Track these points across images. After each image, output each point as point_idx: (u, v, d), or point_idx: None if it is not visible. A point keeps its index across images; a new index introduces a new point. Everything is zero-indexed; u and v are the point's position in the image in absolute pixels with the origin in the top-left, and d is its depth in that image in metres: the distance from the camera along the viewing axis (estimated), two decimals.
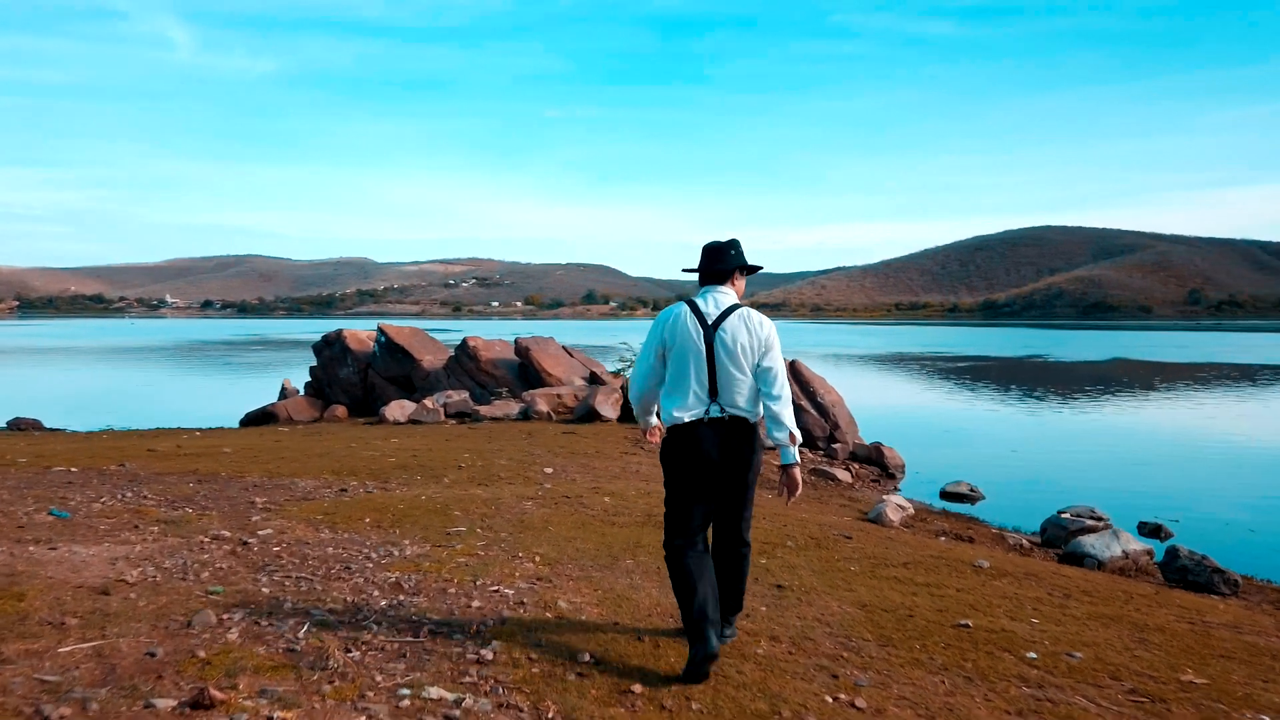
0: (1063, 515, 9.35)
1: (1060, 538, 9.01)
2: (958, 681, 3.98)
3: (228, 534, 6.20)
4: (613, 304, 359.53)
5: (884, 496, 9.71)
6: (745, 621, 4.65)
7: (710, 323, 3.94)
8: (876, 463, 14.66)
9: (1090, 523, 9.02)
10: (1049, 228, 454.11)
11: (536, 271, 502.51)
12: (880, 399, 26.52)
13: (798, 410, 15.53)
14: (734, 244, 4.14)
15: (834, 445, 15.01)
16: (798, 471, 3.97)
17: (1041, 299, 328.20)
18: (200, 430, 16.45)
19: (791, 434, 3.87)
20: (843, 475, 12.94)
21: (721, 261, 4.09)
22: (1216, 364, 45.30)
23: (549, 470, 10.33)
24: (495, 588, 5.11)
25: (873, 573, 6.06)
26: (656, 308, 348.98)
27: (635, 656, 4.05)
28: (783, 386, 3.93)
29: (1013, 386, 33.49)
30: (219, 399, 27.01)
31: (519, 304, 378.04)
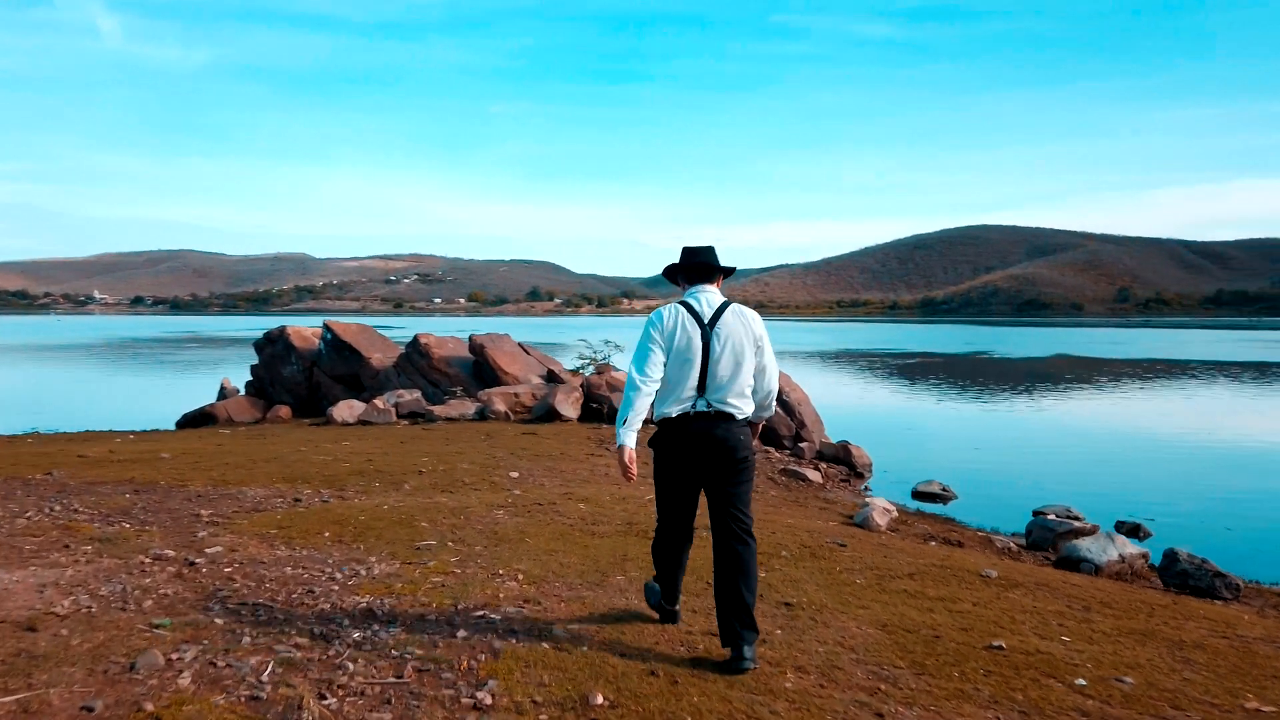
0: (1048, 517, 9.10)
1: (1047, 540, 8.74)
2: (1013, 717, 3.58)
3: (172, 553, 5.57)
4: (557, 301, 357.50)
5: (867, 500, 9.36)
6: (763, 648, 4.21)
7: (706, 321, 4.08)
8: (844, 462, 14.36)
9: (1077, 525, 8.77)
10: (985, 227, 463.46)
11: (480, 268, 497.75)
12: (835, 396, 26.36)
13: None
14: (713, 248, 4.33)
15: (801, 444, 14.68)
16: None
17: (978, 296, 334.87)
18: (134, 433, 15.54)
19: (771, 413, 4.40)
20: (813, 475, 12.59)
21: (710, 259, 4.27)
22: (1155, 360, 46.28)
23: (515, 474, 9.79)
24: (480, 612, 4.59)
25: (880, 586, 5.65)
26: (602, 305, 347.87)
27: (654, 697, 3.57)
28: (774, 378, 4.27)
29: (964, 383, 33.72)
30: (153, 399, 25.85)
31: (462, 300, 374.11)
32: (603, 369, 16.99)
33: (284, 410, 18.11)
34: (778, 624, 4.68)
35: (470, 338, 18.03)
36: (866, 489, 12.89)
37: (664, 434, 4.11)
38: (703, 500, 4.23)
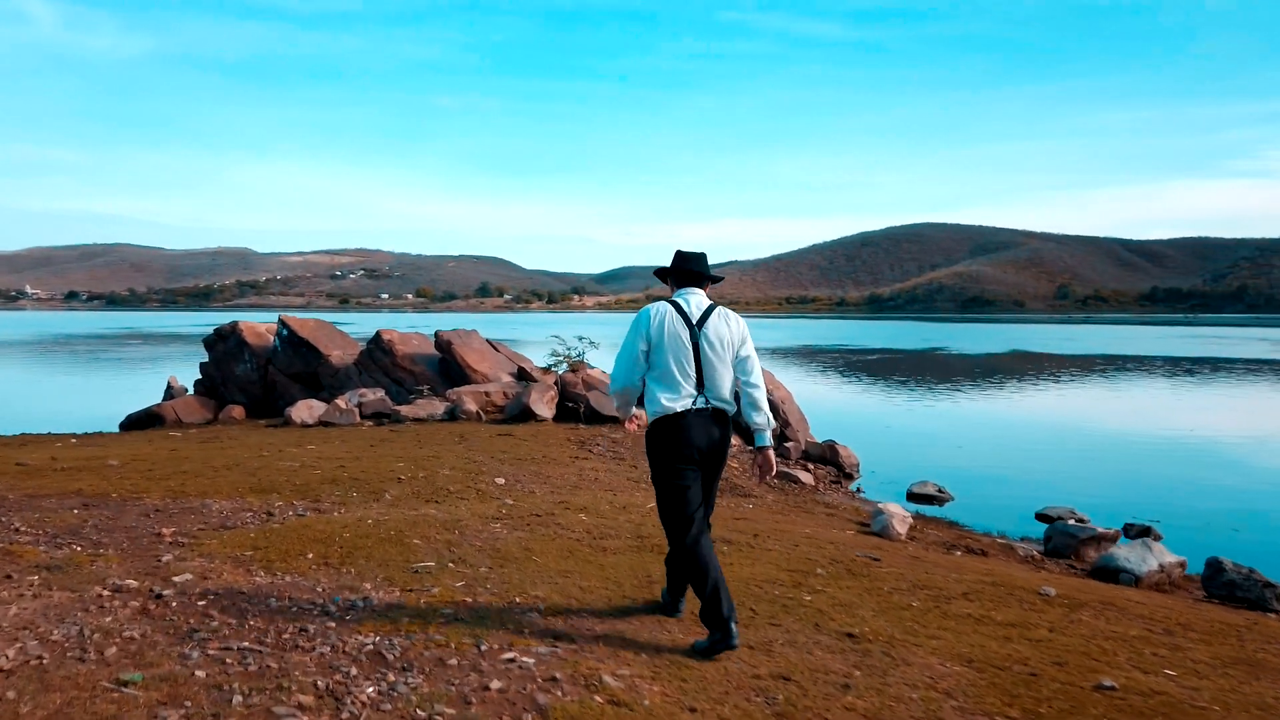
0: (1067, 522, 8.66)
1: (1069, 547, 8.29)
2: None
3: (134, 583, 4.81)
4: (507, 297, 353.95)
5: (879, 506, 8.83)
6: (851, 697, 3.61)
7: (695, 321, 4.27)
8: (831, 462, 13.89)
9: (1100, 531, 8.33)
10: (930, 225, 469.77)
11: (428, 264, 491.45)
12: (805, 394, 25.98)
13: None
14: (704, 255, 4.54)
15: (786, 444, 14.17)
16: (771, 454, 4.39)
17: (924, 293, 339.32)
18: (76, 436, 14.50)
19: (768, 418, 4.35)
20: (805, 477, 12.08)
21: (700, 266, 4.49)
22: (1112, 355, 46.80)
23: (500, 481, 9.09)
24: (509, 655, 3.93)
25: (940, 610, 5.10)
26: (552, 300, 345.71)
27: None
28: (760, 375, 4.37)
29: (930, 379, 33.59)
30: (94, 399, 24.55)
31: (410, 296, 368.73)
32: (577, 366, 16.31)
33: (237, 410, 17.13)
34: (850, 662, 4.09)
35: (436, 334, 17.22)
36: (859, 491, 12.40)
37: (665, 429, 4.22)
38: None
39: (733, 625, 4.02)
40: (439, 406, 14.94)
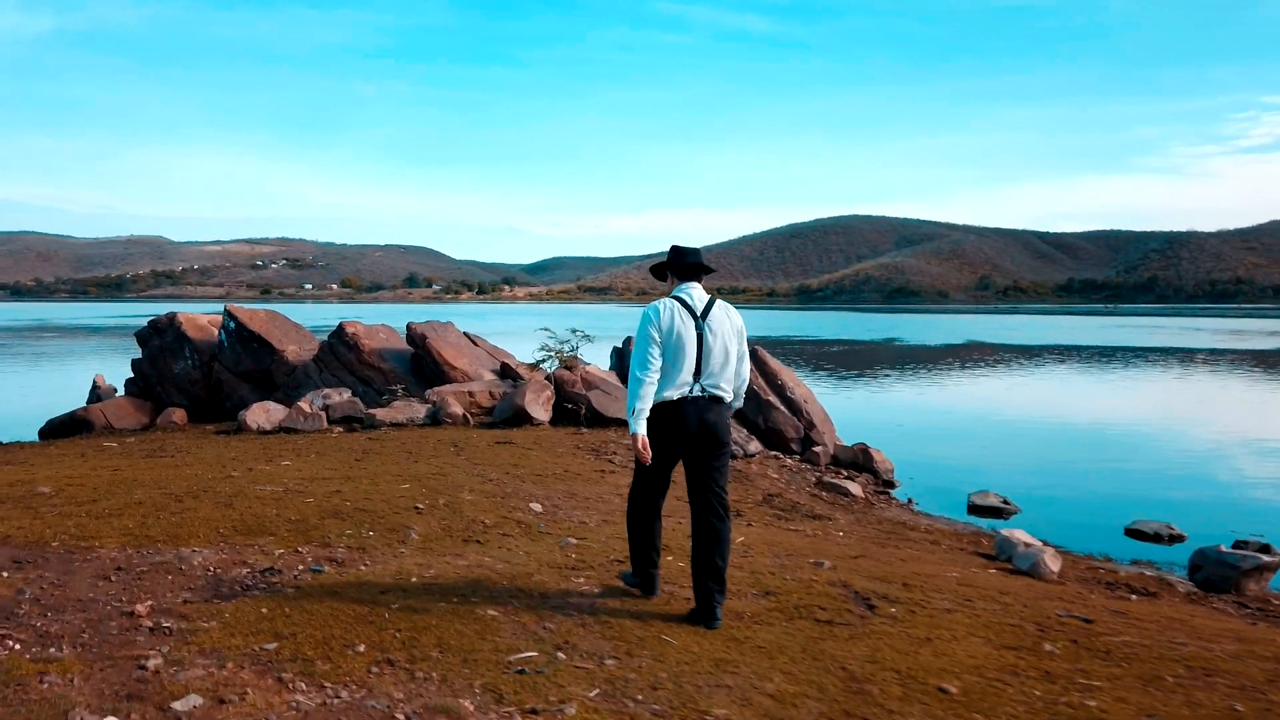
0: (1222, 550, 7.34)
1: (1228, 578, 6.99)
2: None
3: None
4: (436, 287, 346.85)
5: (1005, 534, 7.40)
6: None
7: (698, 313, 4.52)
8: (864, 468, 12.51)
9: (1266, 559, 7.04)
10: (856, 217, 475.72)
11: (353, 253, 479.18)
12: None
13: (766, 407, 13.19)
14: (699, 250, 4.72)
15: (814, 449, 12.73)
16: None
17: (851, 284, 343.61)
18: None
19: (740, 405, 4.84)
20: (854, 488, 10.68)
21: (697, 262, 4.69)
22: (1071, 346, 46.72)
23: (537, 508, 7.44)
24: None
25: (1271, 714, 3.65)
26: (482, 291, 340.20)
27: None
28: (748, 367, 4.73)
29: (912, 371, 32.59)
30: (5, 402, 21.96)
31: (335, 287, 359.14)
32: (571, 363, 14.63)
33: (178, 414, 15.03)
34: None
35: (408, 327, 15.35)
36: (909, 502, 11.02)
37: (661, 415, 4.45)
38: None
39: (655, 575, 4.82)
40: (419, 409, 13.13)
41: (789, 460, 12.39)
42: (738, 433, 12.31)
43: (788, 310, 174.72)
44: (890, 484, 12.11)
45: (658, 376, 4.42)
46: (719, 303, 4.61)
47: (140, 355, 16.54)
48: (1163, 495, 11.74)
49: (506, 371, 15.29)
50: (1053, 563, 6.42)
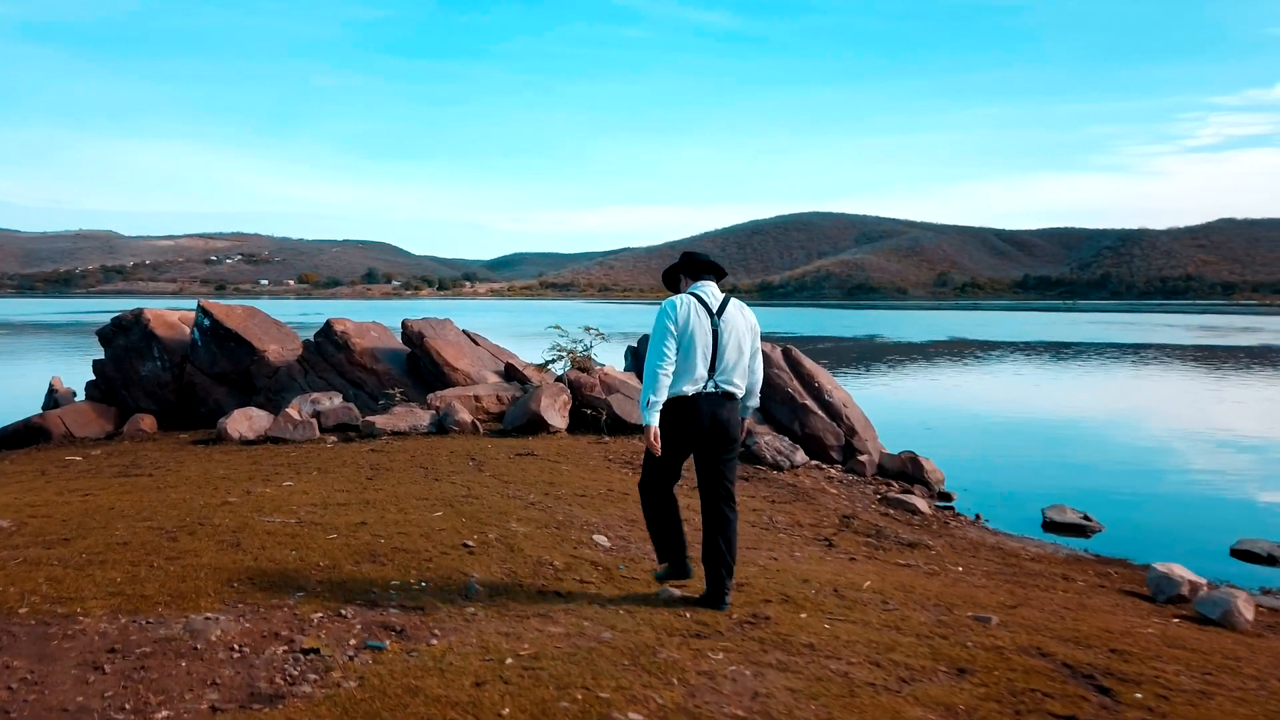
0: None
1: None
2: None
3: None
4: (395, 283, 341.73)
5: (1163, 565, 6.32)
6: None
7: (714, 310, 4.63)
8: (914, 478, 11.45)
9: None
10: (817, 214, 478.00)
11: (310, 249, 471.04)
12: None
13: (803, 411, 12.08)
14: (709, 254, 4.85)
15: (858, 457, 11.64)
16: (749, 422, 5.03)
17: (812, 281, 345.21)
18: None
19: (758, 401, 4.93)
20: (921, 504, 9.60)
21: (711, 261, 4.84)
22: (1059, 343, 46.31)
23: (603, 541, 6.27)
24: None
25: None
26: (443, 287, 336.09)
27: None
28: (761, 363, 4.85)
29: (903, 370, 31.72)
30: None
31: (292, 283, 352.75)
32: (586, 364, 13.39)
33: (147, 421, 13.57)
34: None
35: (404, 325, 14.00)
36: (977, 519, 9.96)
37: (674, 410, 4.57)
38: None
39: (688, 561, 4.98)
40: (422, 416, 11.83)
41: (833, 470, 11.29)
42: (778, 440, 11.18)
43: (753, 307, 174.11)
44: (946, 496, 11.06)
45: (673, 370, 4.53)
46: (734, 301, 4.74)
47: (103, 355, 15.02)
48: (1258, 509, 10.81)
49: (511, 373, 14.02)
50: (1246, 609, 5.35)
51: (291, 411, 11.84)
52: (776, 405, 12.40)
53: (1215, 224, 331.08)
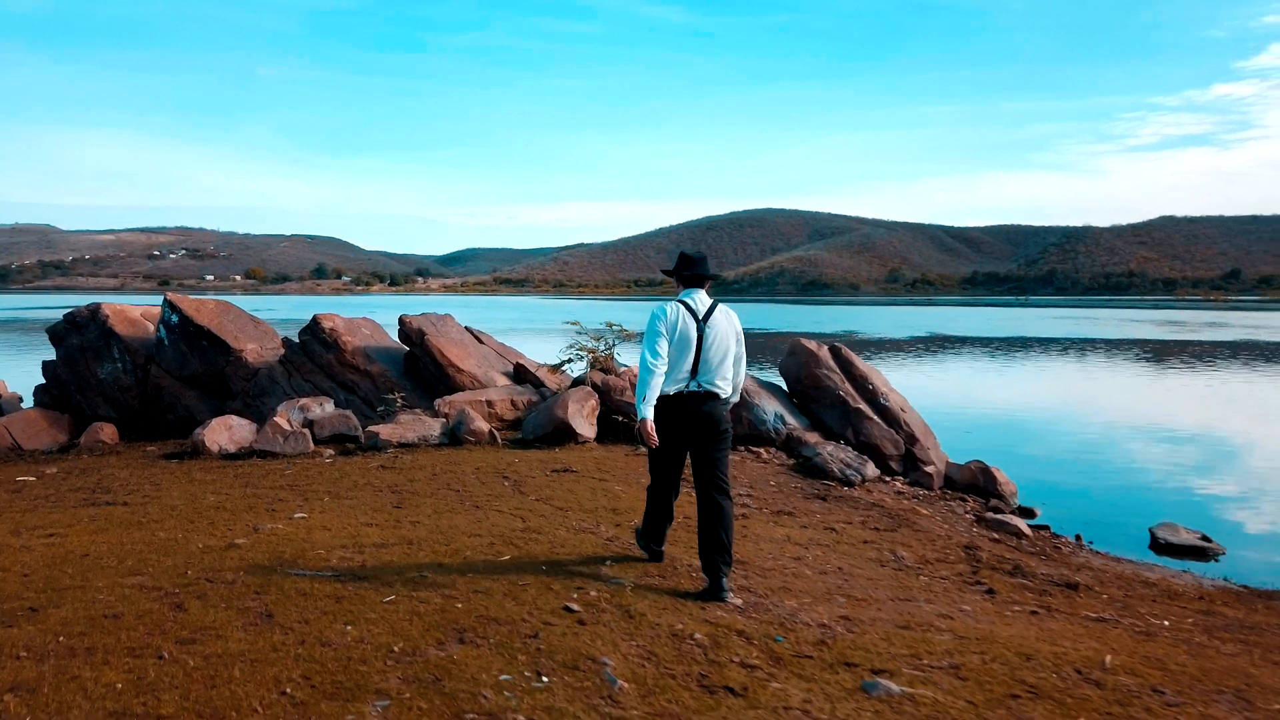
0: None
1: None
2: None
3: None
4: (346, 279, 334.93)
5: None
6: None
7: (700, 316, 4.95)
8: (986, 491, 10.29)
9: None
10: (770, 211, 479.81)
11: (257, 243, 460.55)
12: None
13: (857, 417, 10.86)
14: (705, 256, 5.18)
15: (924, 468, 10.45)
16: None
17: (766, 277, 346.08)
18: None
19: (737, 397, 5.18)
20: (1024, 527, 8.42)
21: (703, 269, 5.13)
22: (1044, 339, 45.83)
23: (730, 597, 4.93)
24: None
25: None
26: (394, 283, 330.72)
27: None
28: (744, 365, 5.17)
29: (904, 366, 30.74)
30: None
31: (238, 278, 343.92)
32: (608, 364, 12.00)
33: (107, 431, 11.92)
34: None
35: (402, 321, 12.49)
36: (1079, 541, 8.80)
37: (663, 408, 4.91)
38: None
39: (662, 550, 5.45)
40: (432, 425, 10.38)
41: (898, 483, 10.08)
42: (842, 451, 9.94)
43: None
44: (1028, 512, 9.91)
45: (665, 368, 4.86)
46: (720, 307, 5.03)
47: (54, 356, 13.29)
48: None
49: (522, 375, 12.61)
50: None
51: (280, 420, 10.32)
52: (826, 410, 11.17)
53: (1156, 221, 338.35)
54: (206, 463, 9.72)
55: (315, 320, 12.45)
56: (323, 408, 11.07)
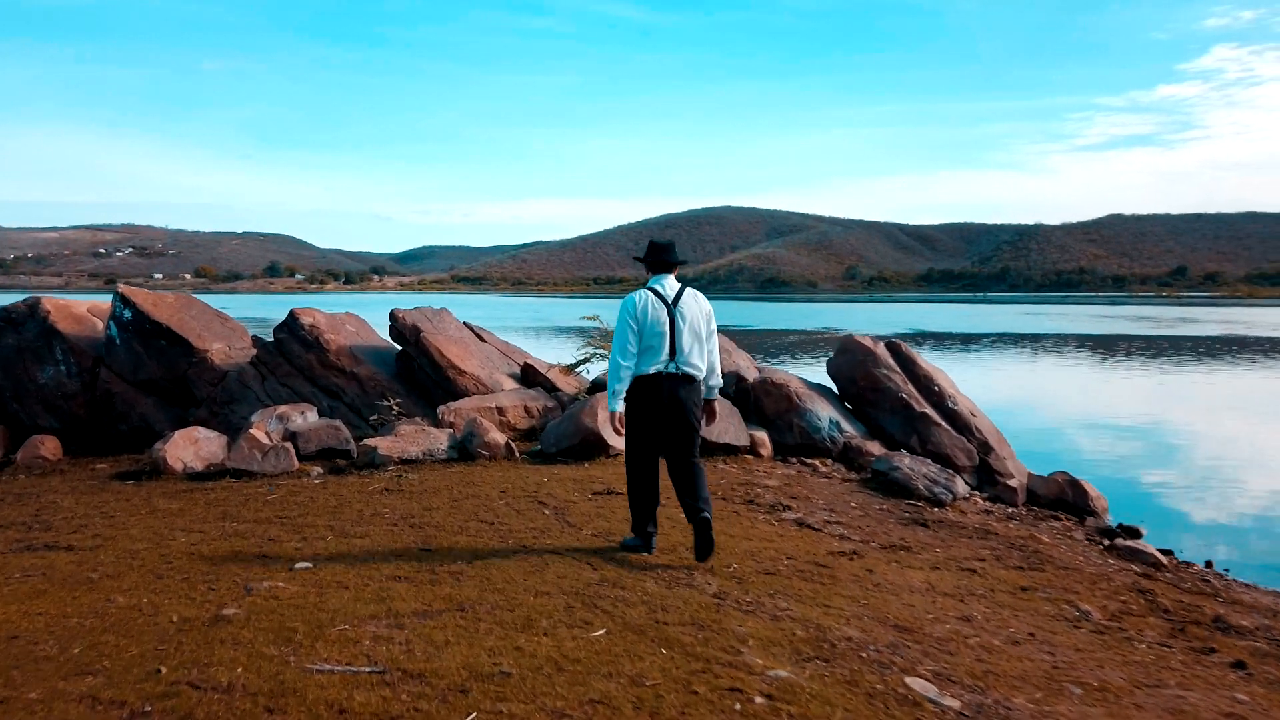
0: None
1: None
2: None
3: None
4: (300, 277, 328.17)
5: None
6: None
7: (669, 301, 5.22)
8: (1077, 507, 9.03)
9: None
10: (728, 208, 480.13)
11: (207, 241, 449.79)
12: None
13: (922, 423, 9.55)
14: (673, 243, 5.43)
15: (1005, 481, 9.16)
16: (715, 405, 5.59)
17: (725, 274, 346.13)
18: None
19: (719, 381, 5.46)
20: (1158, 554, 7.13)
21: (670, 256, 5.40)
22: (1032, 335, 45.16)
23: (939, 696, 3.53)
24: None
25: None
26: (349, 281, 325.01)
27: None
28: (716, 344, 5.41)
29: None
30: None
31: (188, 276, 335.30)
32: None
33: (49, 445, 10.21)
34: None
35: (394, 316, 10.91)
36: (1211, 568, 7.54)
37: (639, 387, 5.19)
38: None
39: (653, 534, 5.40)
40: (438, 437, 8.85)
41: (979, 499, 8.77)
42: (924, 464, 8.59)
43: None
44: (1133, 532, 8.64)
45: (634, 362, 5.16)
46: (689, 291, 5.33)
47: None
48: None
49: (532, 377, 11.11)
50: None
51: (258, 433, 8.71)
52: (886, 415, 9.83)
53: (1104, 219, 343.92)
54: (169, 485, 8.11)
55: (293, 316, 10.84)
56: (305, 417, 9.49)
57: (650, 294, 5.22)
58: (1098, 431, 15.29)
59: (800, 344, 38.97)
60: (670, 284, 5.30)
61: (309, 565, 5.09)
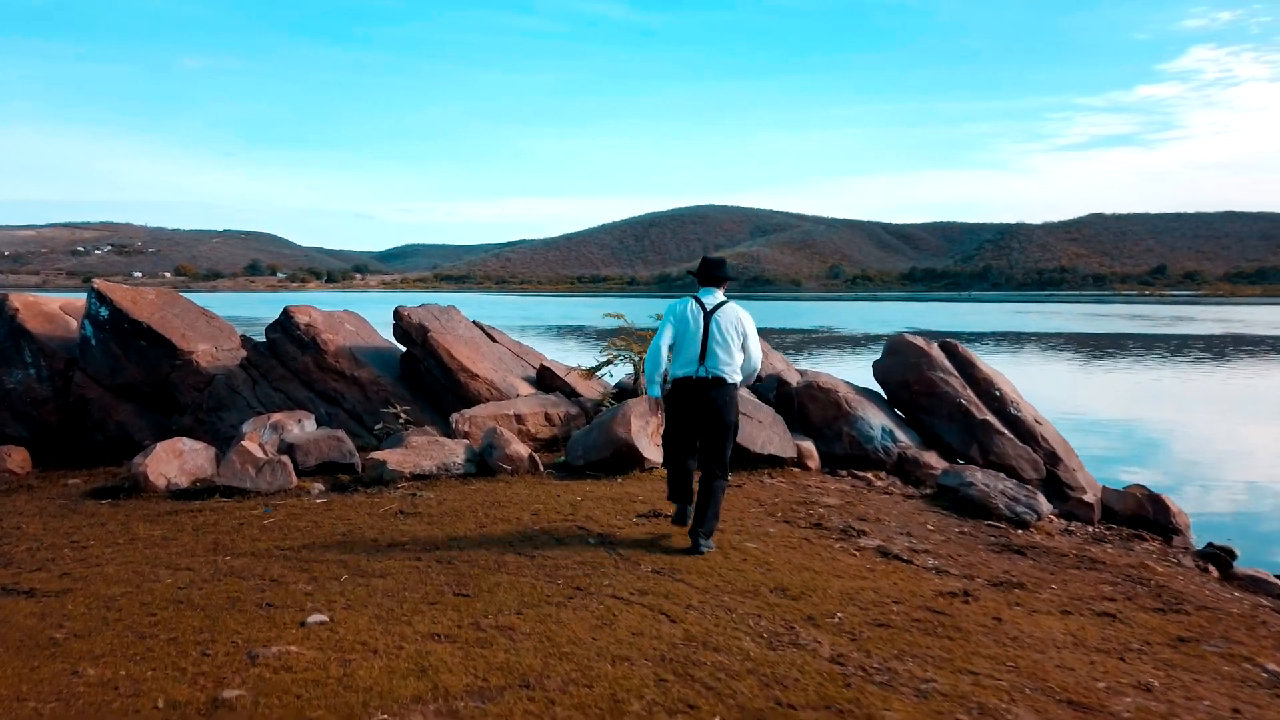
0: None
1: None
2: None
3: None
4: (281, 275, 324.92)
5: None
6: None
7: (708, 310, 5.67)
8: (1160, 526, 8.18)
9: None
10: (712, 207, 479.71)
11: (187, 239, 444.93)
12: None
13: (984, 431, 8.69)
14: (724, 260, 5.91)
15: (1079, 496, 8.31)
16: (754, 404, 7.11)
17: None
18: None
19: (748, 378, 5.91)
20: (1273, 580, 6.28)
21: (720, 271, 5.86)
22: (1027, 333, 44.51)
23: None
24: None
25: None
26: (331, 279, 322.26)
27: None
28: (757, 350, 5.85)
29: None
30: None
31: (168, 275, 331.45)
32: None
33: (16, 456, 9.19)
34: None
35: (399, 314, 9.95)
36: None
37: (675, 390, 5.72)
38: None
39: (688, 511, 5.93)
40: (453, 449, 7.91)
41: (1055, 518, 7.90)
42: (1003, 481, 7.71)
43: (648, 298, 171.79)
44: (1230, 553, 7.81)
45: (670, 356, 5.72)
46: (729, 304, 5.74)
47: None
48: None
49: (548, 380, 10.18)
50: None
51: (250, 445, 7.74)
52: (942, 423, 8.97)
53: (1085, 219, 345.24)
54: (151, 505, 7.14)
55: (288, 314, 9.86)
56: (302, 426, 8.53)
57: (694, 301, 5.73)
58: (1130, 436, 14.52)
59: (801, 344, 38.15)
60: (713, 297, 5.74)
61: (324, 619, 4.16)
